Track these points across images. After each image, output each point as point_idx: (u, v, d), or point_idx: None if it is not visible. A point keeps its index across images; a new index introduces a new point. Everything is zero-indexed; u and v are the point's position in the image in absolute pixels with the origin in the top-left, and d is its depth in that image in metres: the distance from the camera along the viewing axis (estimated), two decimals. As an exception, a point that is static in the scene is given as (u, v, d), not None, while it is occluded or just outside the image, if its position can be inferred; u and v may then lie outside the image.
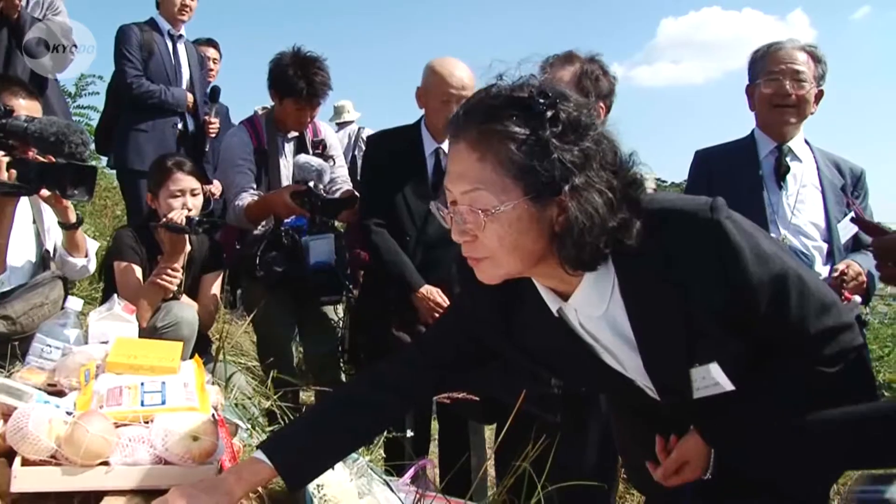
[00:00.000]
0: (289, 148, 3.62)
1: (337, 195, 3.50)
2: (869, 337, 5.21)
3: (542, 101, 1.23)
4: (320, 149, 3.63)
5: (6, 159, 2.32)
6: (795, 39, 2.74)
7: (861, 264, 2.61)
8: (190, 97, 4.49)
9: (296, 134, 3.64)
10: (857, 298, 2.49)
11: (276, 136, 3.58)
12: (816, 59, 2.69)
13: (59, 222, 2.72)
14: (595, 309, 1.39)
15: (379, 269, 3.28)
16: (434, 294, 3.08)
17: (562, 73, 2.48)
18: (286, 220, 3.38)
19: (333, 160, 3.67)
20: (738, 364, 1.39)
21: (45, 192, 2.46)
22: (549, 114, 1.22)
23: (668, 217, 1.31)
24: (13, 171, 2.33)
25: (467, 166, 1.26)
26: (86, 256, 2.87)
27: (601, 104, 2.48)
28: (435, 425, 3.56)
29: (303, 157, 3.41)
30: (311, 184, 3.33)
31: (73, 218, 2.71)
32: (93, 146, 4.59)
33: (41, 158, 2.37)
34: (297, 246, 3.33)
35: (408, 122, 3.33)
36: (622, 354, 1.45)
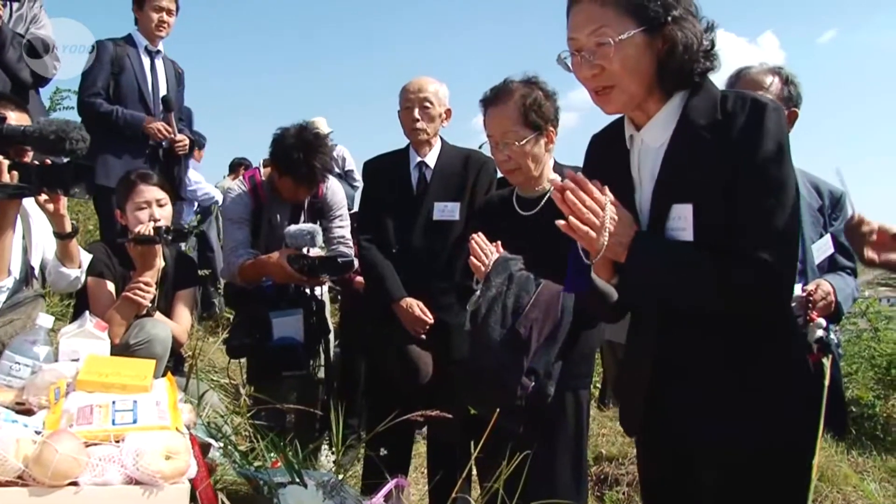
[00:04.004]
0: (284, 211, 3.62)
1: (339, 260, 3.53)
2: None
3: None
4: (319, 212, 3.66)
5: (7, 162, 2.32)
6: (765, 63, 2.79)
7: (833, 285, 2.64)
8: (159, 124, 4.41)
9: None
10: (822, 321, 2.50)
11: (275, 198, 3.59)
12: (786, 81, 2.73)
13: (54, 232, 2.70)
14: (656, 140, 1.66)
15: (367, 281, 3.41)
16: (414, 307, 3.11)
17: (502, 110, 2.45)
18: (264, 283, 3.45)
19: (330, 220, 3.70)
20: (705, 223, 1.56)
21: (42, 197, 2.46)
22: None
23: (739, 94, 1.61)
24: (14, 173, 2.34)
25: (591, 12, 1.57)
26: (79, 267, 2.84)
27: (550, 128, 2.47)
28: (420, 448, 3.57)
29: (293, 227, 3.42)
30: (305, 249, 3.37)
31: (68, 227, 2.69)
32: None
33: (37, 162, 2.39)
34: (261, 322, 3.39)
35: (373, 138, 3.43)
36: (645, 190, 1.69)
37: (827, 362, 1.69)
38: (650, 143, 1.67)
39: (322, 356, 3.65)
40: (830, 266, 2.78)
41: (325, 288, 3.76)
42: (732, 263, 1.51)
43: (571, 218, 1.57)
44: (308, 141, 3.40)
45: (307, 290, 3.55)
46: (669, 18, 1.55)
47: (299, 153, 3.35)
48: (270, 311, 3.41)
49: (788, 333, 1.71)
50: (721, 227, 1.54)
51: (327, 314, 3.75)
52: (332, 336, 3.82)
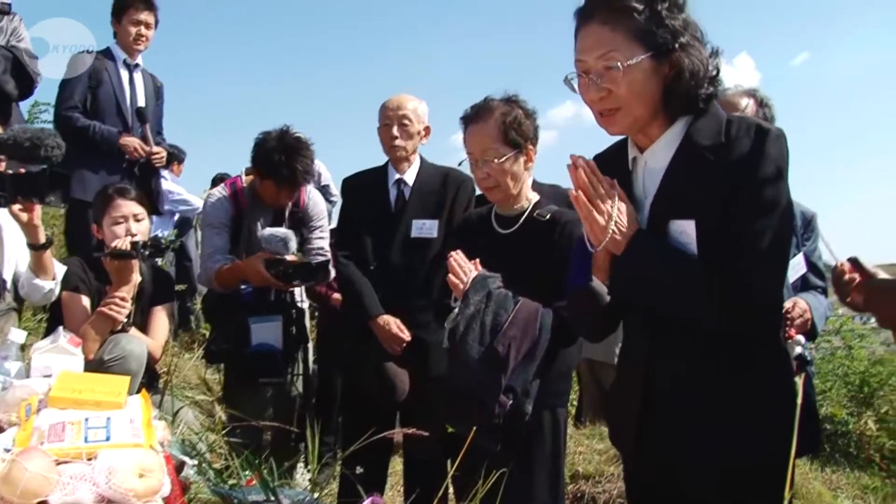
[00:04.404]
0: (267, 218, 3.60)
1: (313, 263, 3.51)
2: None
3: None
4: (299, 221, 3.64)
5: None
6: (740, 85, 2.83)
7: (808, 303, 2.67)
8: (134, 141, 4.37)
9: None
10: (801, 338, 2.54)
11: (256, 205, 3.57)
12: (760, 104, 2.78)
13: (28, 243, 2.66)
14: (659, 161, 1.68)
15: (344, 298, 3.42)
16: (391, 324, 3.10)
17: (482, 127, 2.45)
18: (243, 290, 3.43)
19: (310, 230, 3.68)
20: (706, 240, 1.58)
21: (15, 207, 2.43)
22: None
23: (744, 119, 1.65)
24: None
25: (601, 36, 1.60)
26: (53, 279, 2.81)
27: (530, 146, 2.49)
28: (397, 466, 3.55)
29: (267, 231, 3.40)
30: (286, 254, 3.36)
31: (42, 238, 2.66)
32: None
33: (11, 171, 2.36)
34: (240, 325, 3.37)
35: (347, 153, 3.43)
36: (647, 210, 1.70)
37: (799, 380, 1.72)
38: (653, 165, 1.70)
39: (301, 365, 3.63)
40: (803, 285, 2.81)
41: (304, 296, 3.75)
42: (722, 280, 1.53)
43: (580, 193, 1.62)
44: (290, 144, 3.39)
45: (287, 298, 3.53)
46: (677, 45, 1.58)
47: (281, 156, 3.34)
48: (249, 317, 3.38)
49: (777, 351, 1.73)
50: (721, 245, 1.56)
51: (306, 322, 3.74)
52: (311, 346, 3.80)
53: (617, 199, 1.63)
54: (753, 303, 1.55)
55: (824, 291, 2.88)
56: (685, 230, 1.60)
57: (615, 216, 1.61)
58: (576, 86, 1.67)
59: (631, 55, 1.57)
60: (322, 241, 3.71)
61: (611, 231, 1.61)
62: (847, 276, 1.99)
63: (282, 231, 3.40)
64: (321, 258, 3.58)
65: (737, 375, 1.62)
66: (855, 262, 1.89)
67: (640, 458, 1.79)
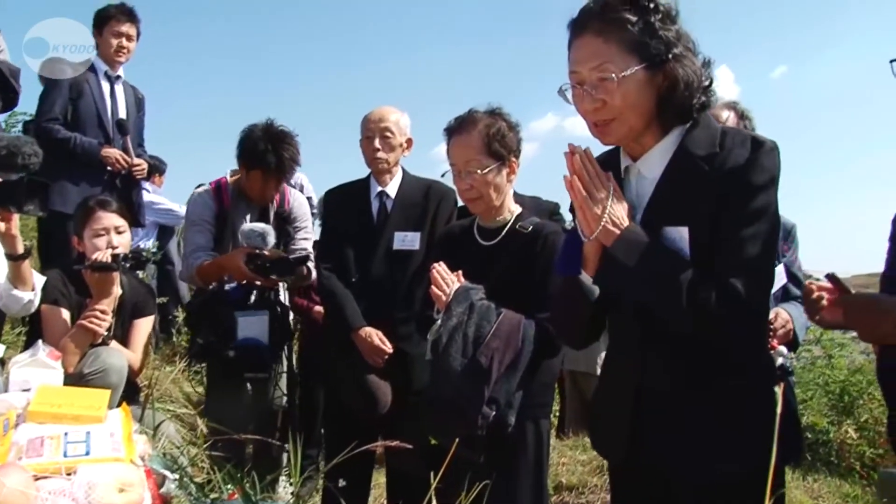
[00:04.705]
0: (251, 217, 3.60)
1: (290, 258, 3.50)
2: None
3: None
4: (284, 220, 3.64)
5: None
6: (721, 97, 2.85)
7: (790, 313, 2.70)
8: (116, 153, 4.35)
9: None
10: (783, 348, 2.56)
11: (240, 204, 3.58)
12: (741, 116, 2.81)
13: (5, 253, 2.63)
14: (652, 171, 1.69)
15: (326, 310, 3.40)
16: (373, 336, 3.10)
17: (466, 139, 2.46)
18: (228, 287, 3.41)
19: (294, 231, 3.68)
20: (698, 247, 1.60)
21: None
22: (650, 5, 1.59)
23: (739, 131, 1.70)
24: None
25: (595, 48, 1.60)
26: (32, 290, 2.78)
27: (513, 158, 2.50)
28: (380, 479, 3.54)
29: (247, 226, 3.41)
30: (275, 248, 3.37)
31: (20, 248, 2.62)
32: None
33: None
34: (226, 318, 3.34)
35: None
36: (639, 219, 1.69)
37: (779, 390, 1.72)
38: (646, 174, 1.71)
39: (285, 362, 3.61)
40: (784, 296, 2.84)
41: (287, 294, 3.74)
42: (704, 283, 1.54)
43: (575, 179, 1.62)
44: (276, 133, 3.43)
45: (271, 297, 3.51)
46: (671, 56, 1.59)
47: (267, 144, 3.37)
48: (236, 310, 3.36)
49: (765, 360, 1.75)
50: (712, 252, 1.58)
51: (290, 322, 3.73)
52: (295, 346, 3.80)
53: (612, 191, 1.63)
54: (739, 309, 1.55)
55: None
56: (679, 236, 1.61)
57: (609, 206, 1.61)
58: (570, 97, 1.68)
59: (625, 66, 1.58)
60: (307, 241, 3.72)
61: (604, 221, 1.60)
62: (816, 294, 2.00)
63: (260, 225, 3.40)
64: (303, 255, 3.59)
65: (726, 384, 1.63)
66: (833, 278, 1.90)
67: (630, 468, 1.78)
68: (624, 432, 1.74)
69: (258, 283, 3.38)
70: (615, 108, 1.61)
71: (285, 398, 3.64)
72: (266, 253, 3.30)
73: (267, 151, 3.37)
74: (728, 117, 2.78)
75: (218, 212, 3.55)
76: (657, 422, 1.68)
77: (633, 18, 1.58)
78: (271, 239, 3.39)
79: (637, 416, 1.71)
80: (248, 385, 3.45)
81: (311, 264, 3.58)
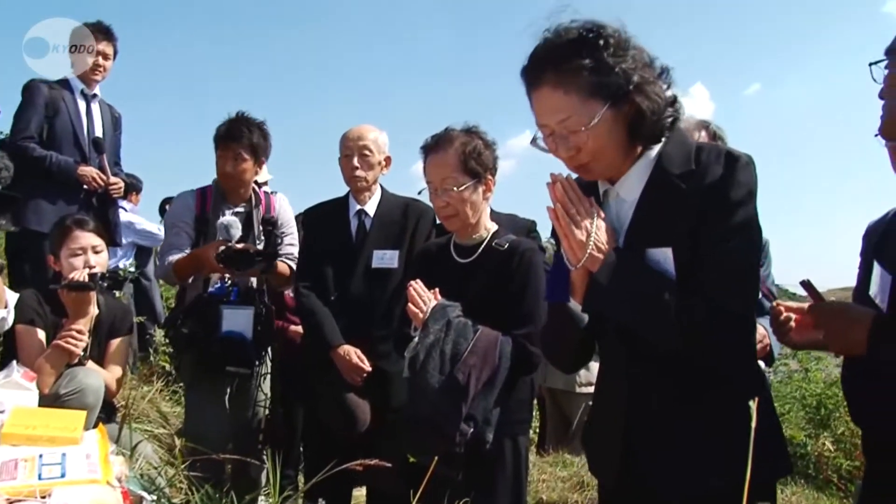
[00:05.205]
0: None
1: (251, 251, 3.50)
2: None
3: (590, 35, 1.57)
4: (270, 226, 3.65)
5: None
6: (693, 116, 2.88)
7: (766, 328, 2.72)
8: (92, 171, 4.33)
9: (241, 208, 3.64)
10: (761, 363, 2.58)
11: (221, 206, 3.59)
12: (713, 136, 2.84)
13: None
14: (630, 193, 1.68)
15: (304, 328, 3.42)
16: (352, 355, 3.10)
17: (442, 156, 2.48)
18: (210, 289, 3.42)
19: (282, 238, 3.69)
20: (681, 267, 1.59)
21: None
22: (600, 42, 1.56)
23: (714, 146, 1.67)
24: None
25: (556, 102, 1.59)
26: (5, 307, 2.75)
27: (489, 176, 2.52)
28: (360, 498, 3.52)
29: (219, 220, 3.43)
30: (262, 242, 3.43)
31: None
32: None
33: None
34: (211, 312, 3.34)
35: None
36: (620, 240, 1.69)
37: (753, 404, 1.73)
38: (625, 197, 1.70)
39: (269, 363, 3.61)
40: (758, 310, 2.86)
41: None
42: (691, 302, 1.54)
43: (559, 207, 1.63)
44: (242, 116, 3.55)
45: (256, 296, 3.51)
46: (632, 87, 1.57)
47: (237, 121, 3.51)
48: (221, 304, 3.37)
49: (754, 374, 1.75)
50: (695, 271, 1.57)
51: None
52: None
53: (596, 216, 1.63)
54: (727, 324, 1.56)
55: None
56: (663, 257, 1.60)
57: (594, 233, 1.61)
58: (543, 144, 1.67)
59: (591, 114, 1.56)
60: (292, 247, 3.74)
61: (589, 248, 1.60)
62: (784, 316, 2.02)
63: (227, 218, 3.42)
64: (291, 263, 3.62)
65: (715, 399, 1.62)
66: (807, 285, 1.92)
67: (621, 488, 1.77)
68: (615, 453, 1.73)
69: (229, 278, 3.41)
70: (590, 152, 1.61)
71: (268, 402, 3.63)
72: (237, 246, 3.32)
73: (238, 122, 3.49)
74: (700, 137, 2.80)
75: (199, 214, 3.57)
76: (647, 441, 1.68)
77: (587, 62, 1.56)
78: (234, 231, 3.39)
79: (628, 437, 1.71)
80: (229, 390, 3.44)
81: (293, 264, 3.61)
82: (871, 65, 1.73)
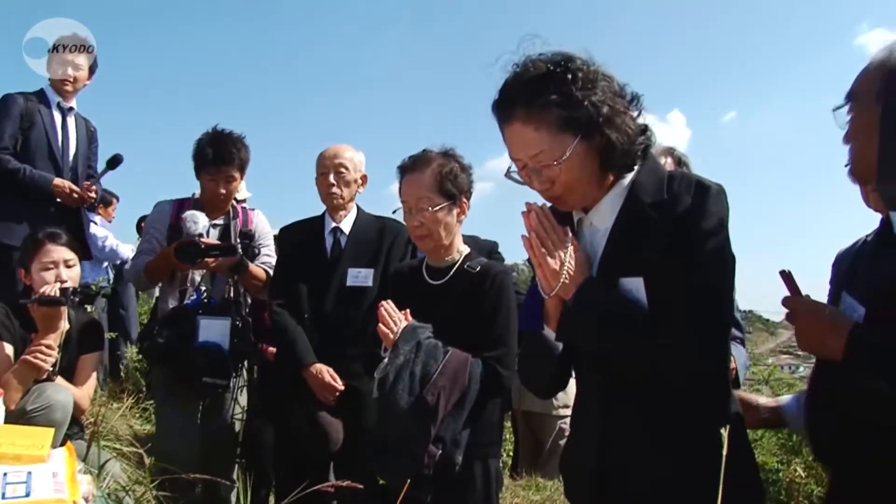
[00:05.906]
0: (213, 234, 3.61)
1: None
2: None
3: (558, 69, 1.59)
4: (247, 239, 3.69)
5: None
6: (660, 143, 2.92)
7: (732, 354, 2.75)
8: (66, 182, 4.27)
9: (219, 221, 3.65)
10: None
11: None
12: (678, 162, 2.89)
13: None
14: (603, 221, 1.70)
15: (277, 346, 3.44)
16: (324, 373, 3.10)
17: (419, 177, 2.50)
18: (186, 301, 3.44)
19: (259, 248, 3.73)
20: (654, 297, 1.59)
21: None
22: (568, 76, 1.58)
23: (685, 175, 1.69)
24: None
25: (527, 137, 1.61)
26: None
27: (464, 199, 2.54)
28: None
29: (186, 212, 3.49)
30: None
31: None
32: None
33: None
34: (187, 322, 3.35)
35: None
36: (594, 269, 1.70)
37: (724, 431, 1.73)
38: (598, 225, 1.72)
39: (245, 375, 3.62)
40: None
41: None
42: (663, 331, 1.55)
43: (533, 236, 1.65)
44: (219, 133, 3.58)
45: (234, 307, 3.51)
46: (601, 119, 1.58)
47: (209, 143, 3.51)
48: (197, 314, 3.38)
49: (727, 403, 1.74)
50: (668, 299, 1.57)
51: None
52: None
53: (570, 245, 1.65)
54: (700, 352, 1.57)
55: (742, 342, 2.97)
56: (635, 287, 1.61)
57: (567, 262, 1.63)
58: (518, 177, 1.69)
59: (562, 148, 1.58)
60: (269, 257, 3.76)
61: (563, 277, 1.62)
62: (755, 404, 2.11)
63: (192, 212, 3.47)
64: (266, 268, 3.66)
65: (688, 430, 1.62)
66: (787, 276, 1.88)
67: None
68: (589, 479, 1.74)
69: (205, 290, 3.47)
70: (563, 185, 1.63)
71: (244, 414, 3.62)
72: (189, 239, 3.36)
73: (208, 148, 3.49)
74: (665, 163, 2.85)
75: (173, 222, 3.58)
76: (620, 468, 1.68)
77: (556, 98, 1.58)
78: (192, 226, 3.41)
79: (601, 463, 1.71)
80: (202, 404, 3.44)
81: (270, 270, 3.63)
82: (834, 110, 1.74)
